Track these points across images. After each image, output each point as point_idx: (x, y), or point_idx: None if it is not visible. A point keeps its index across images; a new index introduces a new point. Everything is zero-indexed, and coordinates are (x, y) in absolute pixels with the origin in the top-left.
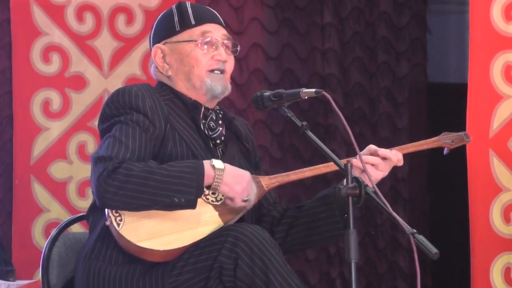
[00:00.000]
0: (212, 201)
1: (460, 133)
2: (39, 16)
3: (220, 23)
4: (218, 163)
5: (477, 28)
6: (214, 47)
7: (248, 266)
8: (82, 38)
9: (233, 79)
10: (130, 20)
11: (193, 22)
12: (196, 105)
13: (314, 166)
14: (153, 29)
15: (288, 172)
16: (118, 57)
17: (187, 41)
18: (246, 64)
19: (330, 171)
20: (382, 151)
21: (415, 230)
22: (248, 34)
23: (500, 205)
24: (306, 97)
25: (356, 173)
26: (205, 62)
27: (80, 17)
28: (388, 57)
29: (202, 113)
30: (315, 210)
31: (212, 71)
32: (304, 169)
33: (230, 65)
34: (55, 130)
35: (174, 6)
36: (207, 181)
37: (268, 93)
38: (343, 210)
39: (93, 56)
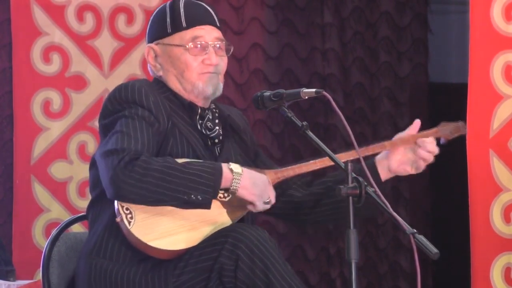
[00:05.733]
0: (220, 197)
1: (457, 123)
2: (40, 16)
3: (213, 24)
4: (236, 167)
5: (477, 28)
6: (205, 50)
7: (248, 267)
8: (82, 38)
9: (233, 79)
10: (130, 20)
11: (184, 24)
12: (192, 106)
13: (320, 159)
14: (148, 26)
15: (293, 166)
16: (118, 57)
17: (177, 45)
18: (246, 64)
19: (333, 164)
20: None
21: (415, 230)
22: (248, 34)
23: (500, 205)
24: (306, 97)
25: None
26: (196, 66)
27: (80, 17)
28: (390, 57)
29: (198, 114)
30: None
31: (203, 73)
32: (309, 162)
33: (222, 67)
34: (55, 130)
35: (167, 5)
36: (224, 183)
37: (268, 93)
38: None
39: (94, 56)
